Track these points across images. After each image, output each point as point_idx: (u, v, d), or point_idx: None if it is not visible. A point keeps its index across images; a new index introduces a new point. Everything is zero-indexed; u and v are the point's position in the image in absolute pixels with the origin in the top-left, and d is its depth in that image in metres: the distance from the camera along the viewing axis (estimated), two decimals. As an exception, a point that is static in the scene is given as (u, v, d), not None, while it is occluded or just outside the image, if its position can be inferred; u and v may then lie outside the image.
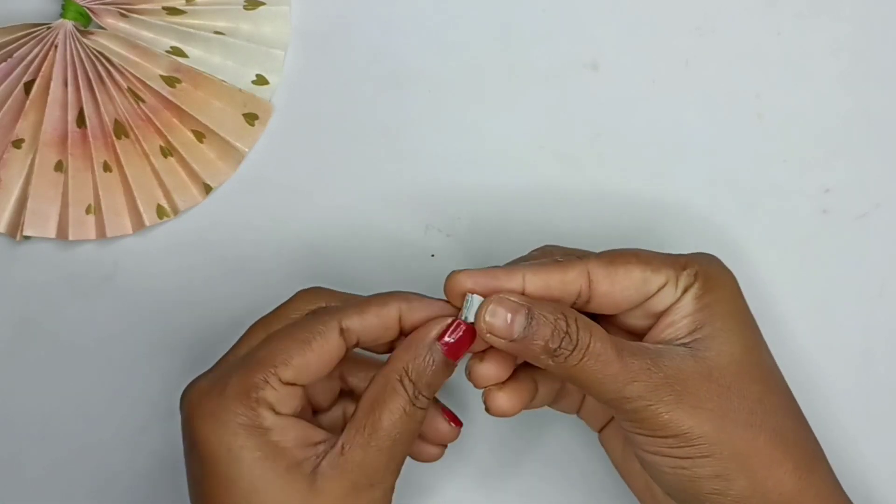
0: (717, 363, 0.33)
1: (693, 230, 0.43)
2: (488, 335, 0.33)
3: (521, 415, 0.36)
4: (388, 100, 0.43)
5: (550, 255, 0.36)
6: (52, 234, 0.43)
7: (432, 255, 0.43)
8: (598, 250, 0.35)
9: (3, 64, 0.42)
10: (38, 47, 0.42)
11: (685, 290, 0.34)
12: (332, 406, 0.38)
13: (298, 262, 0.43)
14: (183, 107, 0.43)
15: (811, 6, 0.43)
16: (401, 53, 0.44)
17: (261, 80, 0.44)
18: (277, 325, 0.36)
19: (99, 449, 0.44)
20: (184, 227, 0.44)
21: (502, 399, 0.35)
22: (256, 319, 0.37)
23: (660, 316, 0.35)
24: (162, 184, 0.43)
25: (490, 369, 0.35)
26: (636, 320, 0.36)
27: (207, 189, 0.43)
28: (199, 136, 0.43)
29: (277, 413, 0.33)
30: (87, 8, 0.42)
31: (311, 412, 0.37)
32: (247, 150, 0.43)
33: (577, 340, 0.32)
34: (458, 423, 0.37)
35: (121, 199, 0.43)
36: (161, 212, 0.43)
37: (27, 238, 0.44)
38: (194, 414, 0.34)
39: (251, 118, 0.43)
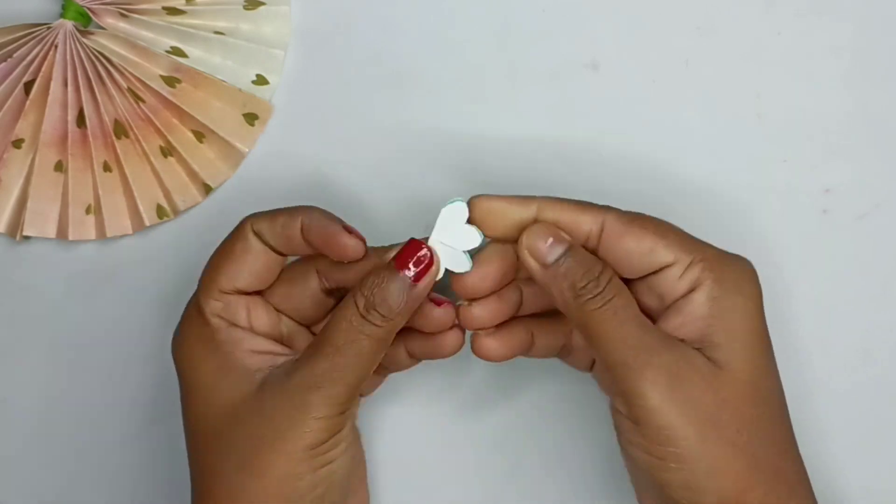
0: (723, 376, 0.33)
1: (693, 230, 0.43)
2: (525, 253, 0.35)
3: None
4: (388, 100, 0.43)
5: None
6: (52, 234, 0.43)
7: (432, 255, 0.43)
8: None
9: (3, 64, 0.42)
10: (38, 47, 0.42)
11: (696, 286, 0.34)
12: (325, 317, 0.39)
13: (298, 262, 0.43)
14: (183, 107, 0.43)
15: (811, 6, 0.43)
16: (401, 53, 0.44)
17: (261, 80, 0.44)
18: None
19: (99, 449, 0.44)
20: (184, 227, 0.44)
21: (490, 343, 0.37)
22: None
23: (670, 306, 0.35)
24: (162, 184, 0.43)
25: (480, 312, 0.36)
26: (647, 298, 0.36)
27: (207, 189, 0.43)
28: (199, 136, 0.43)
29: (231, 324, 0.36)
30: (87, 8, 0.42)
31: (281, 331, 0.38)
32: (247, 150, 0.43)
33: (603, 289, 0.34)
34: (443, 302, 0.37)
35: (121, 199, 0.43)
36: (161, 212, 0.43)
37: (27, 238, 0.44)
38: (172, 344, 0.37)
39: (251, 118, 0.43)
